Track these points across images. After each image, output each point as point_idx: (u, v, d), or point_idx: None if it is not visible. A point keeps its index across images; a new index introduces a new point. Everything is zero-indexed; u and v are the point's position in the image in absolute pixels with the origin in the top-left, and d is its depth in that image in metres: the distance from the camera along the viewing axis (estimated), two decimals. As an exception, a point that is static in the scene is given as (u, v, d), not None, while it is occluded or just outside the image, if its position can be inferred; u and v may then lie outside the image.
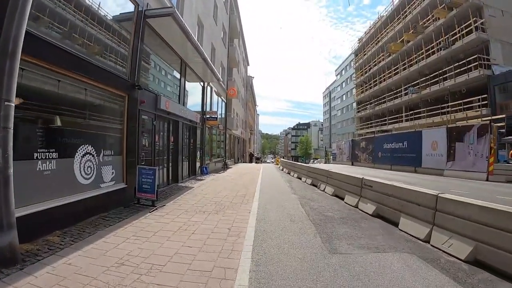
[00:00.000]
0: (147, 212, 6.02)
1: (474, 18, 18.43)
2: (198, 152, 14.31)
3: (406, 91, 27.97)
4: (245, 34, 38.93)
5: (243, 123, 39.81)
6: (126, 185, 6.64)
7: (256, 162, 42.50)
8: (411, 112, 26.65)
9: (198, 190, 9.22)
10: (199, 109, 14.64)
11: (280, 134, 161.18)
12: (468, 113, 19.16)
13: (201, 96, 15.03)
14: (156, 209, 6.28)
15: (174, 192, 8.78)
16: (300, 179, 13.66)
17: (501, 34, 18.49)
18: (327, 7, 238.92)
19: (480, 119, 16.36)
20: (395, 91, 30.02)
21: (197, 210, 6.38)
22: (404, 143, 19.75)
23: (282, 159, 34.67)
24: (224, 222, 5.35)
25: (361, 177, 7.09)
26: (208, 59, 11.64)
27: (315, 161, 58.91)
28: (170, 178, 10.16)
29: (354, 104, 45.70)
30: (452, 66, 20.85)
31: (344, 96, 56.98)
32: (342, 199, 7.83)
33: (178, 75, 11.06)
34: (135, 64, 6.94)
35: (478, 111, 18.41)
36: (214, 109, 17.81)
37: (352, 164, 28.66)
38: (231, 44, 25.26)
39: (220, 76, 15.31)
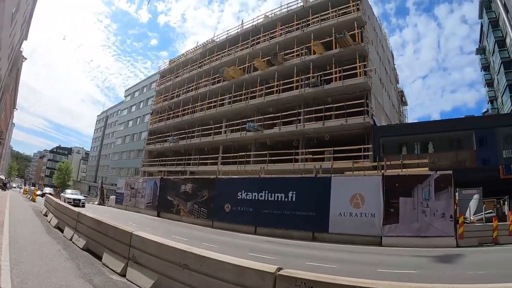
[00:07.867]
0: None
1: (362, 63, 17.61)
2: None
3: (227, 129, 23.67)
4: None
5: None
6: None
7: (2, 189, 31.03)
8: (241, 154, 21.43)
9: None
10: None
11: (34, 155, 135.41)
12: (343, 163, 15.67)
13: None
14: None
15: None
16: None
17: (374, 89, 18.91)
18: (115, 35, 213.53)
19: (378, 171, 13.86)
20: (212, 126, 24.71)
21: None
22: (290, 195, 13.74)
23: (48, 194, 20.73)
24: None
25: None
26: None
27: (73, 193, 42.55)
28: None
29: (145, 134, 37.06)
30: (313, 108, 18.86)
31: (131, 122, 45.51)
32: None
33: None
34: None
35: (358, 161, 15.70)
36: None
37: (159, 215, 19.59)
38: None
39: None
